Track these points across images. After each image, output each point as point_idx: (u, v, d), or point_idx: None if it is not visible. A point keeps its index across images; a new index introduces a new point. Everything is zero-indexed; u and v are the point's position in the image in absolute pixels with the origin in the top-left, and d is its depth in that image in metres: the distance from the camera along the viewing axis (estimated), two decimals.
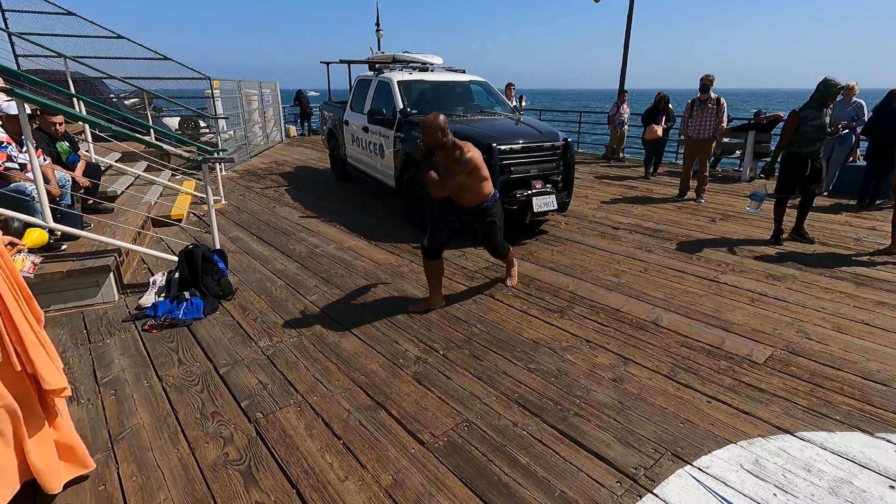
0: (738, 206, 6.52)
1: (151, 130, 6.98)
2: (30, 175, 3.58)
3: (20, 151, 3.74)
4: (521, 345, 3.04)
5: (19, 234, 3.15)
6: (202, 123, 11.31)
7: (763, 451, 2.15)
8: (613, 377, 2.70)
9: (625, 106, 9.90)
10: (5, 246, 1.79)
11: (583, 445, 2.18)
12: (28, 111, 3.35)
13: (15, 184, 3.55)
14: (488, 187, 3.35)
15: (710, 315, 3.41)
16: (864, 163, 6.71)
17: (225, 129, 9.63)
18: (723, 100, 6.50)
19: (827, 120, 4.64)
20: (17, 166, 3.66)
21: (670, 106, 8.36)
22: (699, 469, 2.05)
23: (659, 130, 8.05)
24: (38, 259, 2.37)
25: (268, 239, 5.14)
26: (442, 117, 3.10)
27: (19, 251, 1.85)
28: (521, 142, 4.95)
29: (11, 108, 3.55)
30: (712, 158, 8.97)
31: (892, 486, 1.95)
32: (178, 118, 11.32)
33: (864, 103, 6.78)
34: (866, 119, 6.62)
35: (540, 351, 2.96)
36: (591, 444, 2.19)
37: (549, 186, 5.08)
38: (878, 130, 6.06)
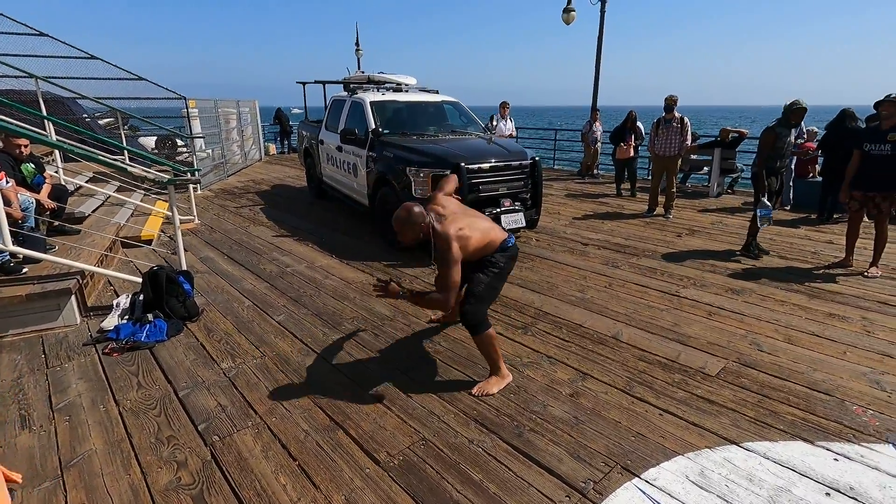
0: (705, 221, 6.72)
1: (125, 151, 6.97)
2: None
3: None
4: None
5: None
6: (179, 142, 11.28)
7: (709, 462, 2.22)
8: (571, 392, 2.76)
9: (597, 124, 10.16)
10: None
11: (535, 461, 2.22)
12: None
13: None
14: (492, 244, 2.71)
15: (669, 329, 3.50)
16: (821, 178, 6.99)
17: (203, 147, 9.63)
18: (686, 119, 6.74)
19: (792, 138, 4.99)
20: None
21: (638, 124, 8.59)
22: (646, 481, 2.10)
23: (630, 150, 8.22)
24: None
25: (238, 259, 5.13)
26: (416, 209, 2.52)
27: None
28: (489, 161, 5.06)
29: None
30: (681, 175, 9.24)
31: (828, 494, 2.03)
32: (155, 138, 11.29)
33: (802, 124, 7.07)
34: (805, 136, 7.15)
35: None
36: (544, 459, 2.23)
37: (518, 204, 5.19)
38: (832, 147, 6.33)
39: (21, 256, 3.70)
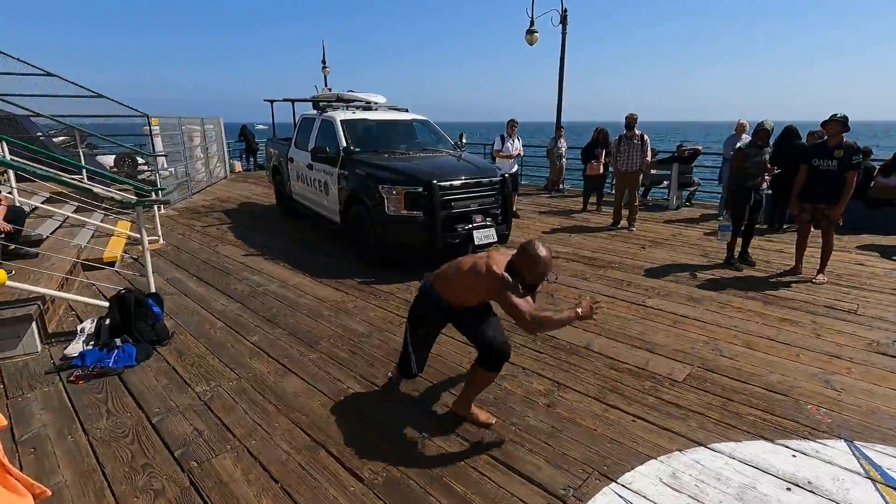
0: (666, 232, 7.02)
1: (84, 170, 6.75)
2: None
3: None
4: (461, 376, 3.13)
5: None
6: (140, 160, 10.97)
7: (679, 464, 2.33)
8: (547, 402, 2.84)
9: (562, 140, 10.49)
10: None
11: (516, 470, 2.28)
12: None
13: None
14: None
15: (637, 338, 3.65)
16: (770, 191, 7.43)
17: (165, 166, 9.39)
18: (646, 136, 7.08)
19: (766, 158, 5.23)
20: None
21: (611, 140, 8.87)
22: (622, 486, 2.20)
23: (599, 167, 8.44)
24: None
25: (208, 279, 5.03)
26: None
27: None
28: (460, 178, 5.17)
29: None
30: (642, 189, 9.63)
31: (788, 489, 2.17)
32: (114, 156, 10.94)
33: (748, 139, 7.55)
34: None
35: None
36: (524, 469, 2.29)
37: (490, 220, 5.31)
38: (779, 161, 6.76)
39: None
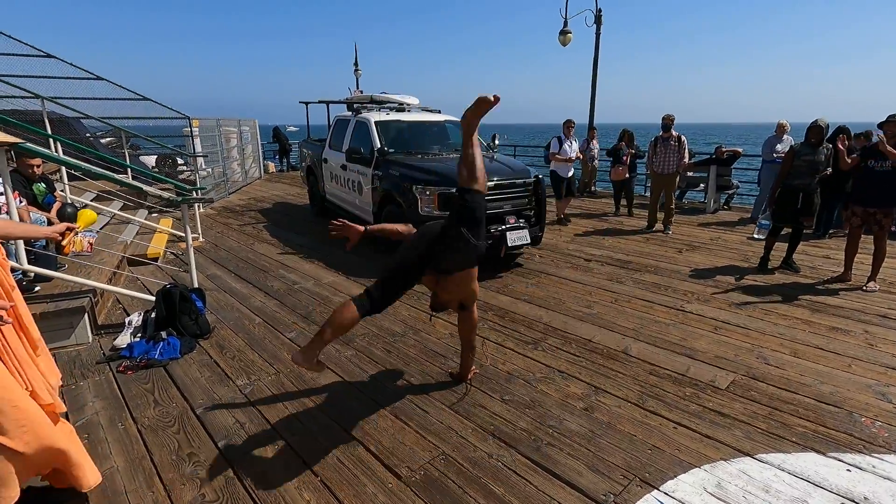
0: (703, 236, 6.83)
1: (129, 169, 7.03)
2: (4, 217, 3.59)
3: None
4: (496, 377, 3.12)
5: (73, 218, 3.38)
6: (179, 161, 11.36)
7: (725, 473, 2.26)
8: (585, 406, 2.80)
9: (594, 142, 10.33)
10: (64, 231, 2.07)
11: (555, 474, 2.25)
12: None
13: None
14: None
15: (677, 343, 3.56)
16: None
17: (203, 166, 9.69)
18: (683, 137, 6.91)
19: (821, 158, 4.91)
20: None
21: (635, 143, 8.72)
22: (665, 493, 2.14)
23: (624, 171, 8.24)
24: (93, 238, 2.59)
25: (246, 276, 5.16)
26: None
27: (76, 233, 2.04)
28: (493, 179, 5.15)
29: None
30: (678, 192, 9.40)
31: None
32: (156, 156, 11.36)
33: (791, 139, 7.24)
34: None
35: (514, 383, 3.05)
36: (564, 473, 2.26)
37: (523, 221, 5.27)
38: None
39: (33, 275, 3.72)
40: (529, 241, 5.21)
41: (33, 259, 3.68)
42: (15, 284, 2.02)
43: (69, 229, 2.03)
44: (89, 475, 2.04)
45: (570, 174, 7.62)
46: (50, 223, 4.21)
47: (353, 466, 2.32)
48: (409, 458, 2.37)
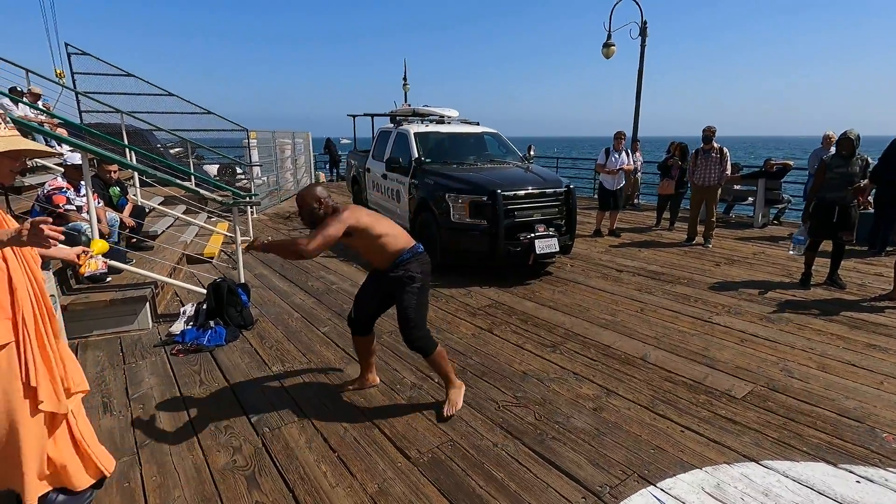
0: (746, 250, 6.63)
1: (192, 177, 7.69)
2: (85, 216, 4.11)
3: (77, 195, 4.30)
4: (511, 375, 3.25)
5: (87, 244, 3.77)
6: (238, 170, 12.21)
7: (726, 476, 2.28)
8: (594, 406, 2.88)
9: (637, 154, 10.22)
10: (79, 255, 2.18)
11: (555, 465, 2.36)
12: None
13: (72, 223, 4.07)
14: (397, 242, 2.68)
15: (698, 353, 3.55)
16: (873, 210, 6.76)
17: (259, 175, 10.40)
18: (725, 149, 6.77)
19: (856, 169, 4.71)
20: (74, 208, 4.20)
21: (688, 157, 8.50)
22: (662, 490, 2.20)
23: (670, 186, 8.11)
24: (105, 261, 3.00)
25: (289, 276, 5.54)
26: (319, 188, 2.62)
27: (90, 256, 2.23)
28: (524, 189, 5.30)
29: (76, 158, 4.12)
30: (724, 205, 9.13)
31: None
32: (217, 165, 12.25)
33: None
34: None
35: (528, 381, 3.17)
36: (564, 465, 2.36)
37: (552, 230, 5.37)
38: (884, 177, 6.16)
39: (107, 267, 4.21)
40: (558, 249, 5.29)
41: (106, 253, 4.18)
42: (44, 278, 2.07)
43: (84, 252, 2.23)
44: (74, 479, 2.03)
45: (619, 186, 7.53)
46: (122, 221, 4.75)
47: (367, 446, 2.52)
48: (419, 441, 2.55)
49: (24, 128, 4.95)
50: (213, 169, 12.27)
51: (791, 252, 5.00)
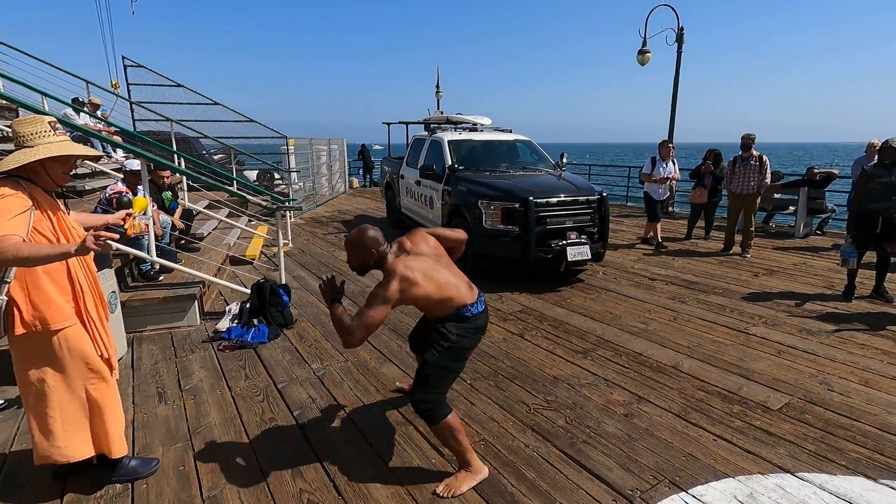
0: (786, 261, 6.46)
1: (235, 182, 8.05)
2: (143, 218, 4.40)
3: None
4: (542, 380, 3.31)
5: (129, 205, 3.96)
6: (276, 176, 12.65)
7: (760, 486, 2.28)
8: (625, 413, 2.90)
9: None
10: (123, 218, 2.33)
11: (586, 468, 2.41)
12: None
13: (117, 191, 4.35)
14: (440, 299, 2.25)
15: (732, 363, 3.52)
16: None
17: (296, 180, 10.76)
18: (765, 157, 6.62)
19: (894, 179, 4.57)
20: None
21: (721, 164, 8.28)
22: (693, 496, 2.22)
23: (703, 195, 7.74)
24: (148, 220, 3.23)
25: None
26: (371, 233, 2.25)
27: (134, 217, 2.39)
28: (557, 196, 5.34)
29: (135, 164, 4.43)
30: (763, 214, 8.87)
31: None
32: (257, 171, 12.73)
33: None
34: None
35: (559, 386, 3.22)
36: (594, 468, 2.41)
37: (585, 237, 5.38)
38: None
39: (158, 266, 4.49)
40: (590, 256, 5.30)
41: (160, 253, 4.46)
42: (95, 269, 2.25)
43: (128, 215, 2.34)
44: (115, 447, 2.23)
45: (665, 196, 7.37)
46: (173, 225, 5.05)
47: (403, 442, 2.63)
48: None
49: (85, 135, 5.33)
50: (252, 174, 12.76)
51: (841, 266, 4.86)
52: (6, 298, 1.92)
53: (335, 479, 2.35)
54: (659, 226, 7.43)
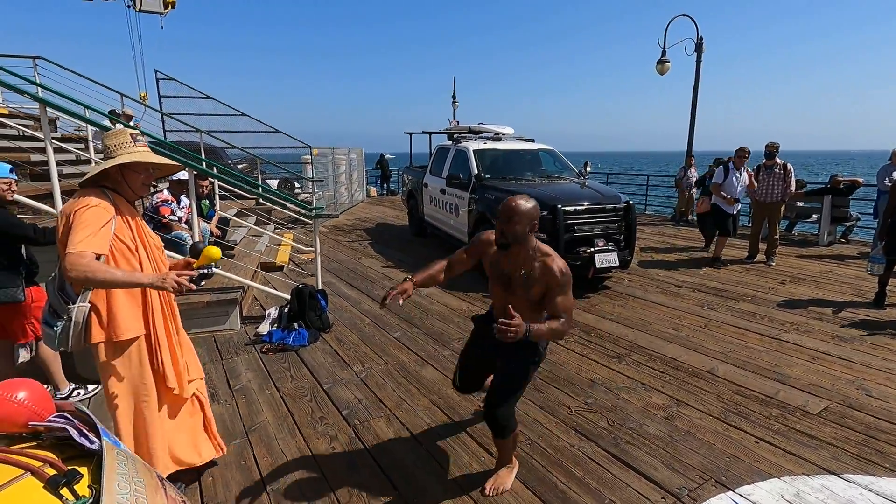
0: (811, 269, 6.45)
1: (263, 190, 8.25)
2: (185, 225, 4.58)
3: (178, 207, 4.78)
4: (579, 383, 3.38)
5: (197, 253, 4.04)
6: (297, 185, 12.89)
7: (806, 486, 2.33)
8: (666, 415, 2.96)
9: (692, 170, 10.10)
10: (182, 265, 2.30)
11: (632, 467, 2.48)
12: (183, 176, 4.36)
13: (175, 232, 4.53)
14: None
15: (768, 369, 3.56)
16: None
17: (316, 189, 10.97)
18: (789, 165, 6.64)
19: None
20: (176, 218, 4.68)
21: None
22: (741, 495, 2.28)
23: (707, 203, 7.46)
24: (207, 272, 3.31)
25: (356, 284, 5.87)
26: (535, 206, 2.08)
27: (192, 267, 2.40)
28: (584, 203, 5.43)
29: (181, 174, 4.61)
30: (786, 222, 8.86)
31: None
32: (278, 180, 12.99)
33: None
34: None
35: (597, 389, 3.29)
36: (640, 467, 2.48)
37: (612, 245, 5.45)
38: None
39: (199, 271, 4.64)
40: (618, 263, 5.37)
41: None
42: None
43: (187, 263, 2.29)
44: (204, 454, 2.34)
45: (737, 210, 6.72)
46: (212, 233, 5.22)
47: (451, 441, 2.72)
48: None
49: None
50: (273, 183, 13.02)
51: (869, 272, 4.88)
52: (89, 306, 1.98)
53: (390, 474, 2.45)
54: (725, 240, 6.84)
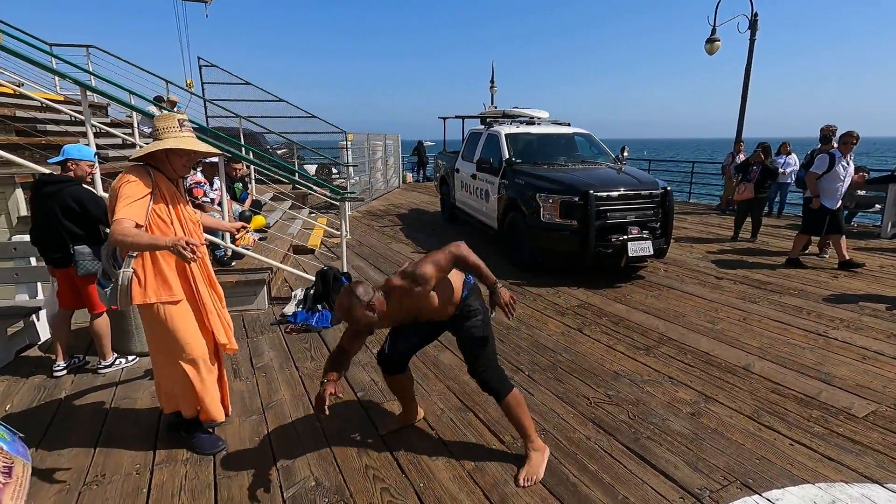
0: (870, 262, 5.96)
1: (299, 175, 8.40)
2: (217, 206, 4.70)
3: (211, 189, 4.91)
4: (602, 374, 3.25)
5: (248, 220, 4.33)
6: (334, 170, 13.08)
7: (843, 494, 2.15)
8: (692, 411, 2.81)
9: (741, 156, 9.52)
10: (238, 229, 2.68)
11: (651, 464, 2.36)
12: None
13: (207, 213, 4.66)
14: (454, 287, 2.34)
15: (810, 367, 3.31)
16: None
17: (352, 174, 11.08)
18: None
19: None
20: (209, 200, 4.80)
21: (779, 159, 7.64)
22: (768, 500, 2.12)
23: (748, 191, 7.05)
24: (256, 237, 3.40)
25: (383, 269, 5.89)
26: (360, 288, 1.98)
27: (248, 231, 2.68)
28: (618, 189, 5.20)
29: (213, 157, 4.72)
30: (846, 213, 8.23)
31: None
32: (316, 165, 13.22)
33: None
34: None
35: (620, 381, 3.15)
36: (659, 464, 2.35)
37: (647, 233, 5.21)
38: None
39: (230, 252, 4.77)
40: (652, 252, 5.13)
41: (232, 240, 4.74)
42: (208, 256, 2.56)
43: (243, 227, 2.69)
44: (212, 413, 2.46)
45: (839, 205, 5.61)
46: (242, 213, 5.34)
47: (463, 427, 2.67)
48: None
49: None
50: (311, 168, 13.26)
51: None
52: (132, 270, 2.17)
53: (398, 457, 2.43)
54: (844, 240, 5.74)
